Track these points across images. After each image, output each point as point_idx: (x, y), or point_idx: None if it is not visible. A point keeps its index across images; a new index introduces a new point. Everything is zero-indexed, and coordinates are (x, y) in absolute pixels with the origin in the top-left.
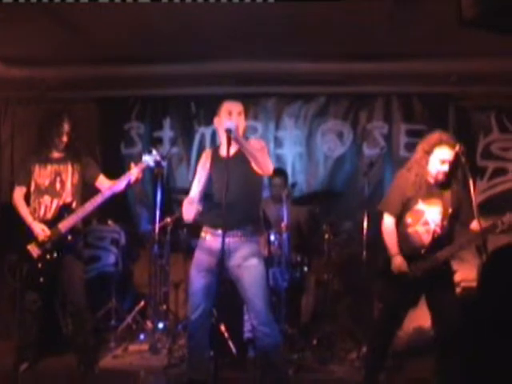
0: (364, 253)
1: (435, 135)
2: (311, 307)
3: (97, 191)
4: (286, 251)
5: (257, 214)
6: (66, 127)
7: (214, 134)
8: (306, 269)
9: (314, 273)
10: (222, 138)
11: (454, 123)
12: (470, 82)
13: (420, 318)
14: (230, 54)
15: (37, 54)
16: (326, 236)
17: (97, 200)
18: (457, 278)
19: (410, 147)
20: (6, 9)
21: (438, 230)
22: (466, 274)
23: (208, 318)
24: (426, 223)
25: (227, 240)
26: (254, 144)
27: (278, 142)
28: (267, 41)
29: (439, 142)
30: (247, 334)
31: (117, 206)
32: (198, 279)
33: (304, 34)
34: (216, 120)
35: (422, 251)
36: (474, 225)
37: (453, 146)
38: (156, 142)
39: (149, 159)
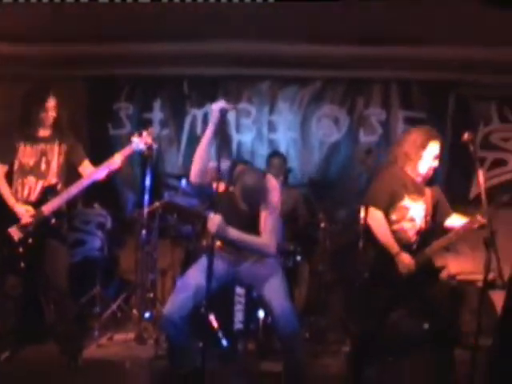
0: (360, 243)
1: (425, 129)
2: (304, 298)
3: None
4: (280, 239)
5: None
6: (52, 102)
7: (205, 116)
8: (298, 258)
9: (308, 262)
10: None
11: (453, 111)
12: (471, 70)
13: None
14: (224, 33)
15: (23, 31)
16: (322, 225)
17: (82, 184)
18: (453, 270)
19: None
20: None
21: (423, 226)
22: (462, 266)
23: (190, 316)
24: (412, 219)
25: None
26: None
27: (272, 127)
28: (264, 22)
29: (431, 137)
30: (238, 325)
31: (103, 189)
32: (195, 277)
33: (302, 15)
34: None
35: (413, 247)
36: (449, 221)
37: (440, 141)
38: (145, 124)
39: (138, 141)
